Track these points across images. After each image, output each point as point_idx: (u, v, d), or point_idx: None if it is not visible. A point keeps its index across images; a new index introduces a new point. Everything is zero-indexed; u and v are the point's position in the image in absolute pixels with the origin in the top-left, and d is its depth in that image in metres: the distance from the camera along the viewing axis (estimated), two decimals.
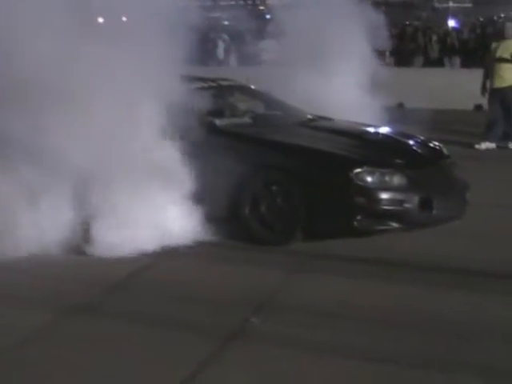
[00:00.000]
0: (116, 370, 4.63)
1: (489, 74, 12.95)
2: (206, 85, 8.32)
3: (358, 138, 7.77)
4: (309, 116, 8.44)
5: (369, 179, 6.92)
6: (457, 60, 21.85)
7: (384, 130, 8.30)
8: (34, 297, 5.83)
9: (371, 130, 8.22)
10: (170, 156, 6.94)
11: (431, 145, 8.03)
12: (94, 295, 5.90)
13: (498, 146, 12.78)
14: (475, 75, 13.61)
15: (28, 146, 6.51)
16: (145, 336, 5.10)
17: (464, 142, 12.66)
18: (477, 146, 12.74)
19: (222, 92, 8.67)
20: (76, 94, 6.54)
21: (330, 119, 8.43)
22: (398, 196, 6.99)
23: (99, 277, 6.24)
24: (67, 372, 4.61)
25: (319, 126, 8.14)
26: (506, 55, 12.64)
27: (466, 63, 20.66)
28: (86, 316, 5.50)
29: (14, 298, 5.79)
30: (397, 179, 7.02)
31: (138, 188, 6.78)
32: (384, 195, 6.93)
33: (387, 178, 7.00)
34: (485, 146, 12.78)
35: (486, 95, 13.10)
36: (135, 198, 6.76)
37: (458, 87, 16.13)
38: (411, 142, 7.90)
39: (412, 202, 6.98)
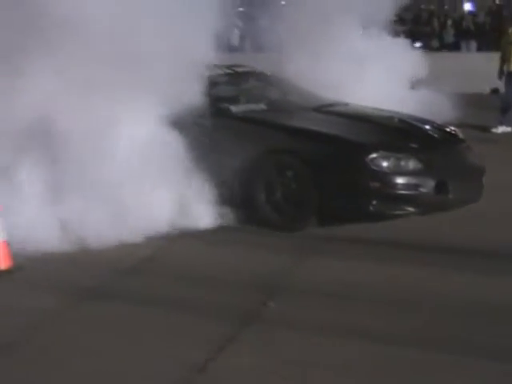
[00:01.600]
0: (131, 354, 4.66)
1: (505, 58, 12.90)
2: (221, 71, 8.33)
3: (373, 122, 7.77)
4: (324, 101, 8.42)
5: (384, 164, 6.94)
6: (473, 44, 21.70)
7: (399, 114, 8.27)
8: (49, 281, 5.91)
9: (386, 114, 8.19)
10: (186, 141, 6.98)
11: (446, 129, 8.04)
12: (109, 279, 5.97)
13: None
14: (491, 59, 13.57)
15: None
16: (161, 319, 5.13)
17: (480, 125, 12.63)
18: (493, 130, 12.73)
19: (237, 78, 8.70)
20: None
21: (345, 104, 8.42)
22: (414, 180, 7.01)
23: (115, 261, 6.30)
24: (81, 356, 4.64)
25: (335, 110, 8.13)
26: None
27: (482, 47, 20.54)
28: (101, 300, 5.55)
29: (29, 283, 5.89)
30: (412, 164, 7.04)
31: (152, 173, 6.82)
32: (399, 180, 6.96)
33: (402, 163, 7.01)
34: (501, 129, 12.76)
35: (503, 79, 13.06)
36: (150, 182, 6.81)
37: (474, 71, 16.07)
38: (426, 127, 7.90)
39: (427, 186, 7.00)
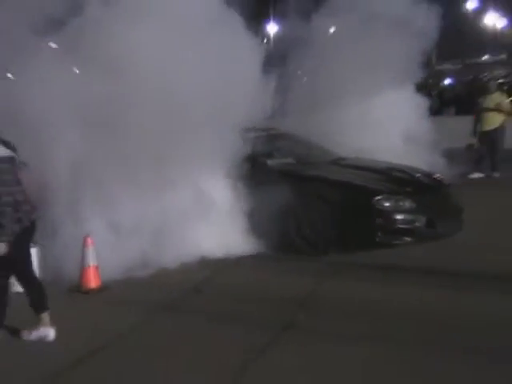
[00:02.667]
0: (194, 355, 4.71)
1: (478, 120, 12.92)
2: (258, 133, 8.36)
3: (376, 172, 7.75)
4: (337, 155, 8.46)
5: (386, 204, 6.97)
6: (452, 109, 21.71)
7: (396, 165, 8.24)
8: (129, 298, 6.00)
9: (387, 165, 8.16)
10: (232, 188, 7.10)
11: (434, 176, 8.02)
12: (176, 296, 6.01)
13: (486, 176, 12.68)
14: (466, 121, 13.53)
15: None
16: (214, 329, 5.15)
17: (460, 173, 12.51)
18: (470, 176, 12.64)
19: (270, 138, 8.71)
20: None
21: (355, 158, 8.44)
22: (410, 217, 7.02)
23: (178, 282, 6.36)
24: (157, 355, 4.72)
25: (347, 163, 8.18)
26: (492, 105, 12.66)
27: (459, 112, 20.51)
28: (171, 314, 5.60)
29: (113, 299, 5.98)
30: (408, 204, 7.05)
31: (210, 214, 6.97)
32: (398, 216, 6.98)
33: (401, 203, 7.04)
34: (476, 175, 12.69)
35: (476, 136, 13.03)
36: (209, 221, 6.97)
37: (453, 131, 15.97)
38: (418, 174, 7.90)
39: (420, 222, 7.02)
